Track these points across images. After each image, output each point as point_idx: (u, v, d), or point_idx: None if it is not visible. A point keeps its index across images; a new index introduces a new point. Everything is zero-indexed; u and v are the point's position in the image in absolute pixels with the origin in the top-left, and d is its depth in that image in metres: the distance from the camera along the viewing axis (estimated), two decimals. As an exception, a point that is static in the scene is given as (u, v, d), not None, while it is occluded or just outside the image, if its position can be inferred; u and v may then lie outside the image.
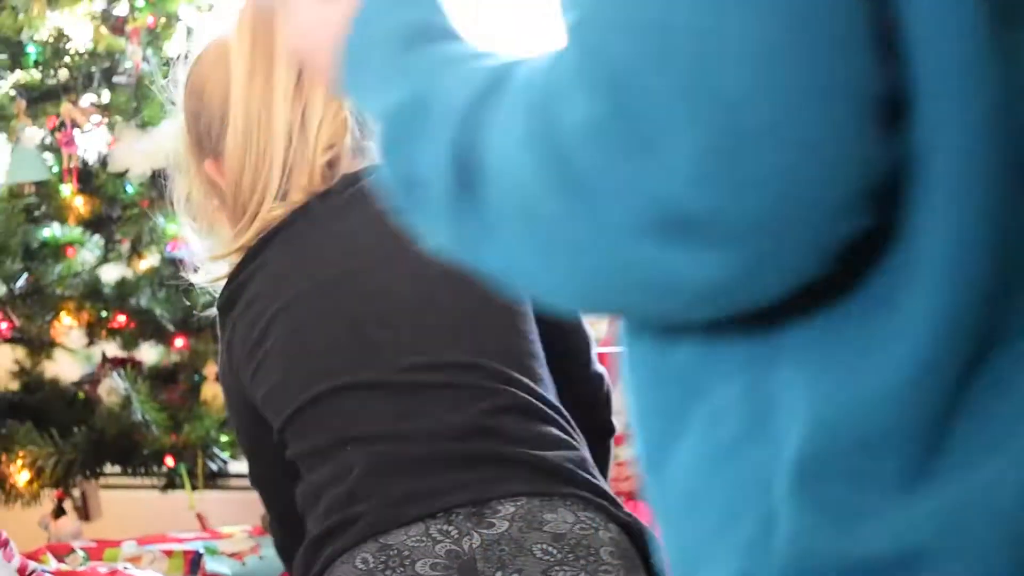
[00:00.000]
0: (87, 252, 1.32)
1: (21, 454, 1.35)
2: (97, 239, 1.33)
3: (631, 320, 0.44)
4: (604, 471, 1.04)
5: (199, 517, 1.37)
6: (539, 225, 0.36)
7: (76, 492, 1.39)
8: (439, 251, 0.45)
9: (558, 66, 0.34)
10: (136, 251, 1.33)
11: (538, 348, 1.00)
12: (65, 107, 1.31)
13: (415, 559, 0.90)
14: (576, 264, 0.36)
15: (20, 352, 1.39)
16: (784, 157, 0.30)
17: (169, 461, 1.39)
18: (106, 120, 1.33)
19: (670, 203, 0.31)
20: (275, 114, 0.98)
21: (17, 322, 1.31)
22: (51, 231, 1.30)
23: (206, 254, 1.06)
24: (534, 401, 0.97)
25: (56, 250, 1.31)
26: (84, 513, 1.36)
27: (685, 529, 0.44)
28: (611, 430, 1.09)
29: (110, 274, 1.34)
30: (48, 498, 1.42)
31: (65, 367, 1.44)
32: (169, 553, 1.26)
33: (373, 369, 0.98)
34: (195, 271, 1.06)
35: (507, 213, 0.38)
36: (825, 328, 0.36)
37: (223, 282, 1.00)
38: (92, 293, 1.35)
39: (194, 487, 1.38)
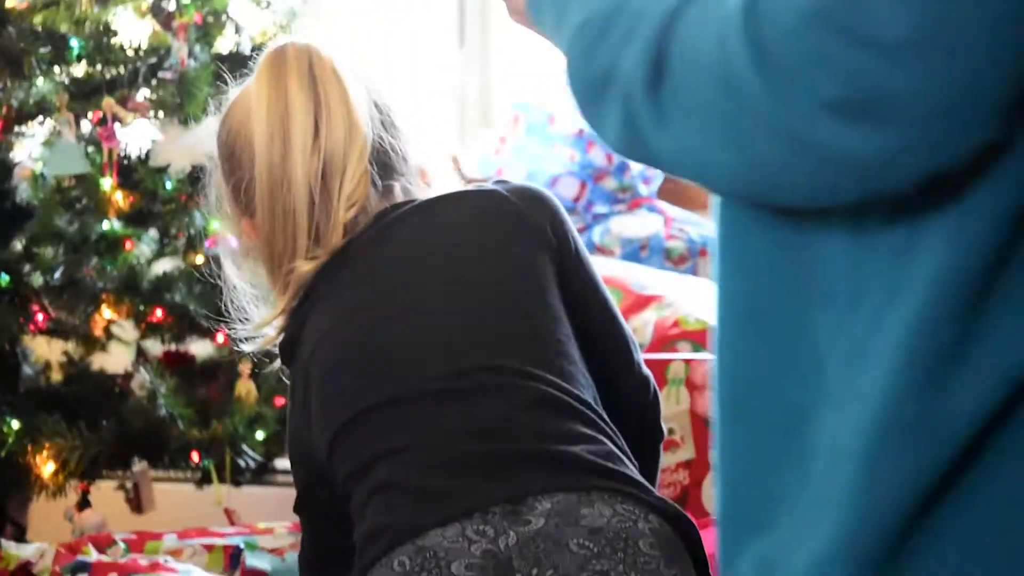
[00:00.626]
0: (144, 246, 1.36)
1: (47, 446, 1.38)
2: (153, 233, 1.36)
3: (776, 208, 0.50)
4: (652, 477, 1.07)
5: (227, 512, 1.41)
6: (727, 106, 0.44)
7: (129, 484, 1.43)
8: (614, 148, 0.53)
9: None
10: (192, 247, 1.38)
11: (570, 350, 1.02)
12: (107, 102, 1.36)
13: (450, 560, 0.92)
14: (757, 146, 0.44)
15: (71, 344, 1.42)
16: (974, 57, 0.38)
17: (195, 456, 1.42)
18: (150, 115, 1.36)
19: (869, 83, 0.38)
20: (295, 175, 1.01)
21: (54, 314, 1.33)
22: (109, 225, 1.34)
23: (255, 318, 1.10)
24: (564, 398, 0.99)
25: (113, 243, 1.35)
26: (136, 504, 1.40)
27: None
28: (660, 434, 1.11)
29: (162, 268, 1.39)
30: (73, 490, 1.46)
31: (116, 360, 1.49)
32: (210, 548, 1.35)
33: (399, 386, 1.00)
34: (244, 340, 1.10)
35: (695, 99, 0.45)
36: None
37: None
38: (130, 287, 1.39)
39: (222, 481, 1.42)
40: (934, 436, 0.48)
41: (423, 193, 1.11)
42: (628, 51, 0.51)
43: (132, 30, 1.46)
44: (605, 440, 0.98)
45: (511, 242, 1.07)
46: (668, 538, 0.95)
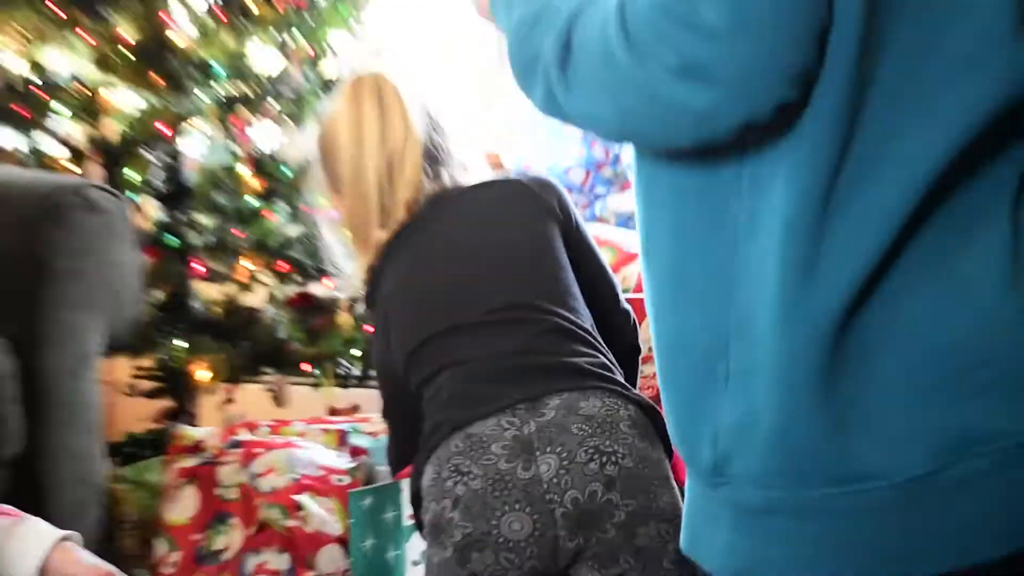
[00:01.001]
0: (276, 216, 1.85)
1: (204, 358, 1.87)
2: (282, 206, 1.84)
3: (648, 150, 0.66)
4: (633, 381, 1.33)
5: (334, 409, 1.92)
6: (607, 75, 0.57)
7: (272, 387, 1.92)
8: (542, 111, 0.67)
9: None
10: (306, 217, 1.87)
11: (574, 291, 1.28)
12: (243, 112, 1.83)
13: (490, 443, 1.15)
14: (627, 101, 0.57)
15: (227, 287, 1.90)
16: (768, 40, 0.51)
17: (308, 367, 1.91)
18: (275, 122, 1.83)
19: (696, 56, 0.52)
20: (368, 167, 1.32)
21: (211, 265, 1.83)
22: (247, 201, 1.80)
23: (346, 270, 1.44)
24: (570, 326, 1.24)
25: (252, 214, 1.82)
26: (279, 402, 1.92)
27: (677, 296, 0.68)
28: (638, 351, 1.39)
29: (288, 232, 1.87)
30: (223, 390, 1.95)
31: (256, 298, 1.96)
32: (326, 431, 1.73)
33: (459, 316, 1.26)
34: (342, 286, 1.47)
35: (587, 71, 0.59)
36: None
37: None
38: (263, 246, 1.85)
39: (330, 386, 1.94)
40: (811, 317, 0.61)
41: (464, 180, 1.39)
42: (547, 39, 0.64)
43: (262, 57, 1.85)
44: (599, 355, 1.23)
45: (530, 215, 1.33)
46: (642, 422, 1.17)
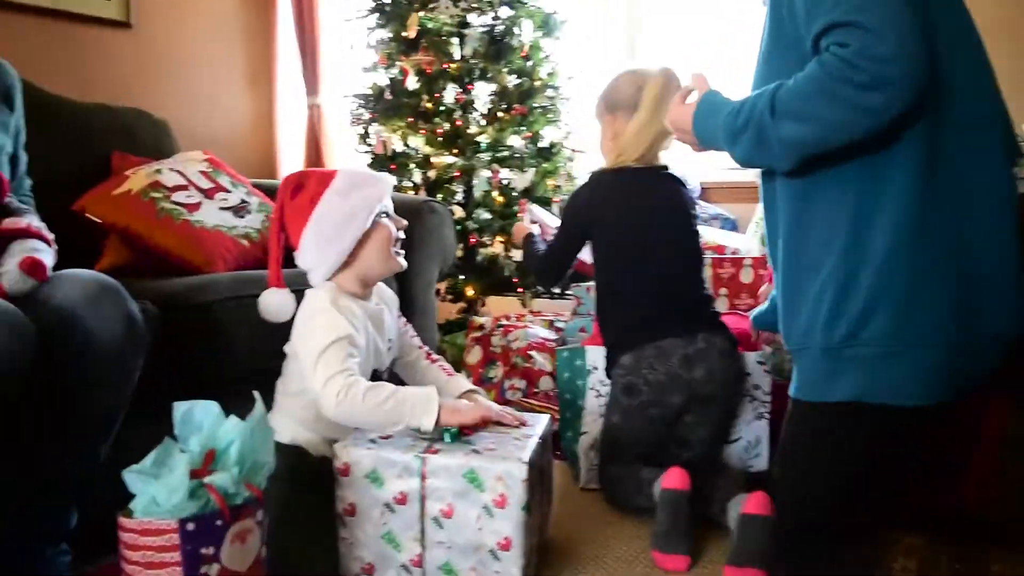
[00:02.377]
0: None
1: (479, 283, 3.17)
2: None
3: (830, 154, 1.19)
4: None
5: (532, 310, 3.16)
6: (818, 101, 1.16)
7: (522, 298, 3.18)
8: (745, 158, 1.30)
9: (833, 57, 1.14)
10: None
11: (703, 267, 1.99)
12: (502, 165, 3.18)
13: (671, 354, 1.89)
14: (830, 114, 1.16)
15: (490, 250, 3.22)
16: (913, 61, 1.10)
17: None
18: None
19: (878, 74, 1.09)
20: (648, 130, 1.95)
21: (482, 239, 3.19)
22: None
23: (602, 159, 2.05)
24: (705, 289, 1.99)
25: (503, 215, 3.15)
26: (524, 304, 3.15)
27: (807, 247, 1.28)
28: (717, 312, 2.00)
29: None
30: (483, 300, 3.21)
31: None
32: (543, 319, 2.88)
33: (655, 264, 1.91)
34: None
35: (799, 106, 1.18)
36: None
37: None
38: (504, 230, 3.18)
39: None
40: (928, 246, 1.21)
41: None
42: (755, 111, 1.21)
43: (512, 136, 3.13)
44: (714, 305, 1.98)
45: (688, 205, 2.02)
46: (733, 350, 1.93)
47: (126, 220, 2.30)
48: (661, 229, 1.96)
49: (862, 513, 1.35)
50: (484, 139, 3.12)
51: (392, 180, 1.81)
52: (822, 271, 1.24)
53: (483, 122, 3.11)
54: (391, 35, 3.26)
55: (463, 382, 1.86)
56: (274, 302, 1.74)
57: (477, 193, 3.09)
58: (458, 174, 3.08)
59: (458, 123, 3.09)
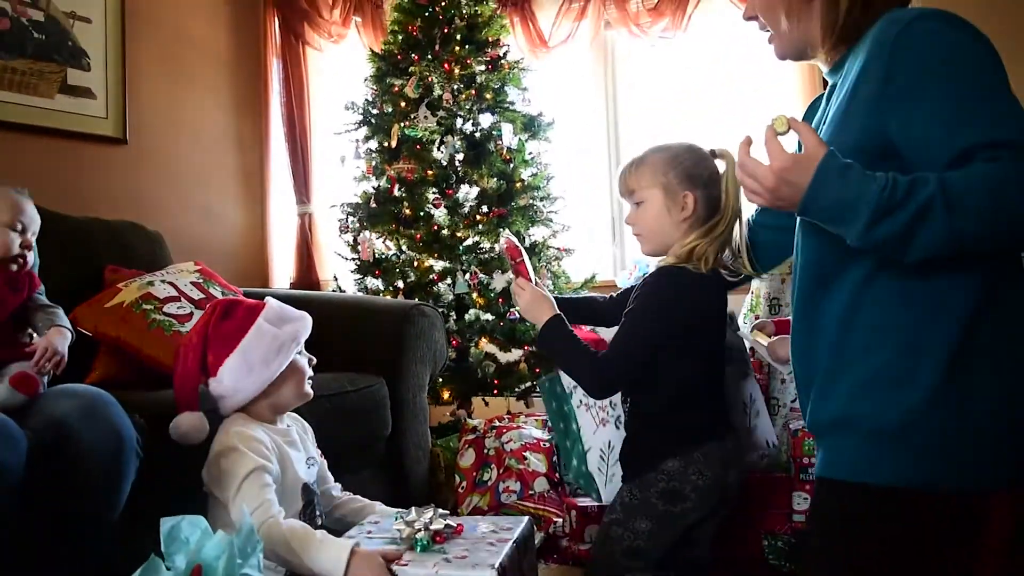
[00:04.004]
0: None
1: (462, 385, 3.21)
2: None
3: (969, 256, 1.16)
4: None
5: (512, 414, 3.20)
6: (993, 206, 1.10)
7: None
8: (924, 252, 1.14)
9: (1006, 168, 1.09)
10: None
11: None
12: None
13: (715, 458, 1.73)
14: (1008, 212, 1.10)
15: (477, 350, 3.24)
16: None
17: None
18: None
19: None
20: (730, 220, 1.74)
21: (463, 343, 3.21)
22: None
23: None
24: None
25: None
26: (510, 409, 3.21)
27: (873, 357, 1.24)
28: None
29: None
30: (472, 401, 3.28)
31: None
32: (536, 420, 2.93)
33: (717, 366, 1.81)
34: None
35: (973, 209, 1.10)
36: None
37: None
38: (491, 330, 3.20)
39: None
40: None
41: None
42: (925, 193, 1.11)
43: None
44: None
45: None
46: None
47: (117, 332, 2.31)
48: (719, 334, 1.86)
49: None
50: (464, 242, 3.19)
51: (309, 319, 1.83)
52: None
53: (463, 225, 3.17)
54: (377, 146, 3.35)
55: (379, 506, 1.88)
56: (190, 424, 1.72)
57: (452, 296, 3.15)
58: (436, 277, 3.12)
59: (435, 227, 3.14)
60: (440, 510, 1.65)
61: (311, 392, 1.83)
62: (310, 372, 1.82)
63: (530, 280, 1.83)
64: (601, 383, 1.76)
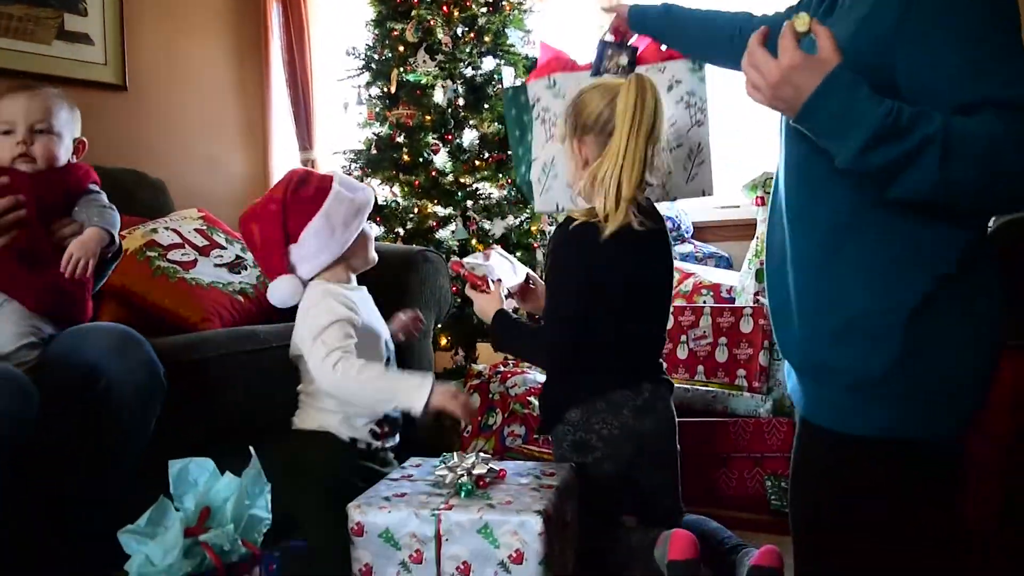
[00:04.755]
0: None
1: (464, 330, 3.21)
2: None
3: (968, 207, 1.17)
4: None
5: None
6: (994, 162, 1.07)
7: None
8: (905, 195, 1.12)
9: (1011, 123, 1.07)
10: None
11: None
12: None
13: (622, 406, 1.79)
14: (1003, 165, 1.08)
15: None
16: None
17: None
18: None
19: None
20: (641, 145, 1.66)
21: None
22: None
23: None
24: (661, 342, 1.90)
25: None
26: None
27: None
28: None
29: None
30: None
31: None
32: None
33: (643, 319, 1.81)
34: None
35: (970, 158, 1.07)
36: None
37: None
38: None
39: None
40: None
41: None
42: (926, 129, 1.08)
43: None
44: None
45: (669, 259, 1.88)
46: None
47: (122, 280, 2.32)
48: (649, 292, 1.85)
49: None
50: (461, 188, 3.18)
51: (371, 190, 1.97)
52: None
53: (463, 171, 3.15)
54: (379, 92, 3.32)
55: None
56: (285, 288, 1.83)
57: (453, 241, 3.13)
58: (435, 224, 3.10)
59: (432, 173, 3.12)
60: (483, 454, 1.67)
61: (376, 256, 1.97)
62: (374, 236, 1.97)
63: (488, 289, 1.88)
64: (548, 350, 1.78)
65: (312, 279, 1.88)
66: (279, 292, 1.83)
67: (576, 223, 1.72)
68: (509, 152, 3.13)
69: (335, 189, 1.82)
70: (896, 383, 1.24)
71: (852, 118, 1.10)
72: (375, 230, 1.99)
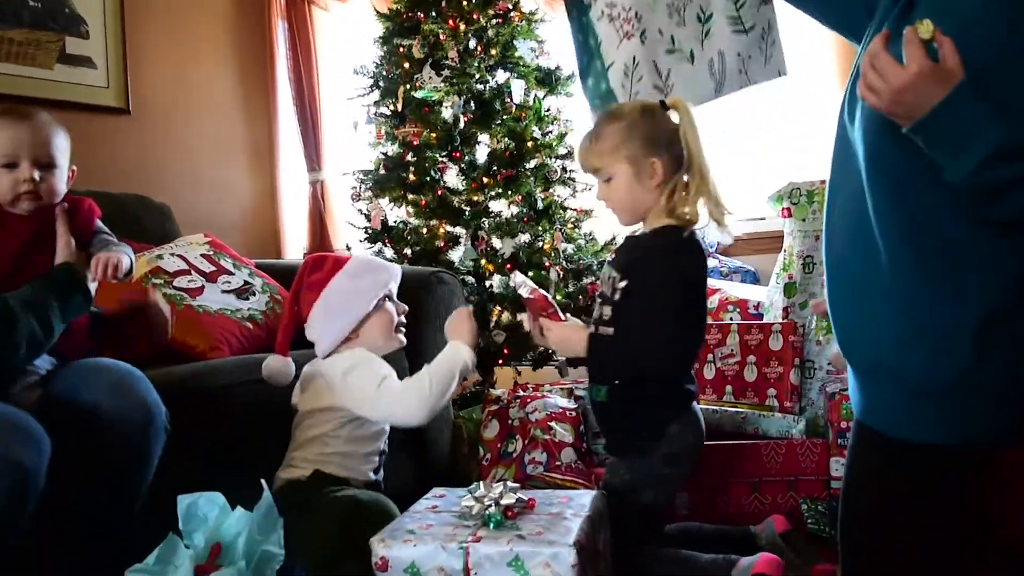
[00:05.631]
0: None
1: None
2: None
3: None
4: None
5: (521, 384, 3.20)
6: None
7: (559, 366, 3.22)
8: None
9: None
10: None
11: None
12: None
13: (699, 419, 1.88)
14: None
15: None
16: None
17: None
18: None
19: None
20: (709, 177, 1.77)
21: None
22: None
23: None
24: None
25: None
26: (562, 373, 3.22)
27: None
28: None
29: None
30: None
31: None
32: (561, 388, 2.98)
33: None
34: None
35: None
36: None
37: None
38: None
39: None
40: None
41: None
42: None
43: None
44: None
45: None
46: None
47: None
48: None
49: None
50: (468, 206, 3.19)
51: (398, 269, 2.04)
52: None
53: (471, 189, 3.15)
54: (388, 110, 3.33)
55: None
56: (277, 368, 1.95)
57: (464, 263, 3.12)
58: (443, 244, 3.10)
59: (439, 192, 3.13)
60: (510, 483, 1.66)
61: (402, 338, 2.04)
62: (399, 319, 2.03)
63: (560, 317, 1.89)
64: (667, 355, 1.78)
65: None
66: (269, 370, 1.96)
67: (687, 231, 1.78)
68: (518, 168, 3.12)
69: (337, 275, 1.95)
70: (963, 391, 1.25)
71: (973, 134, 1.12)
72: (399, 307, 2.04)
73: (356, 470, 1.92)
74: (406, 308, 2.04)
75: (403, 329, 2.04)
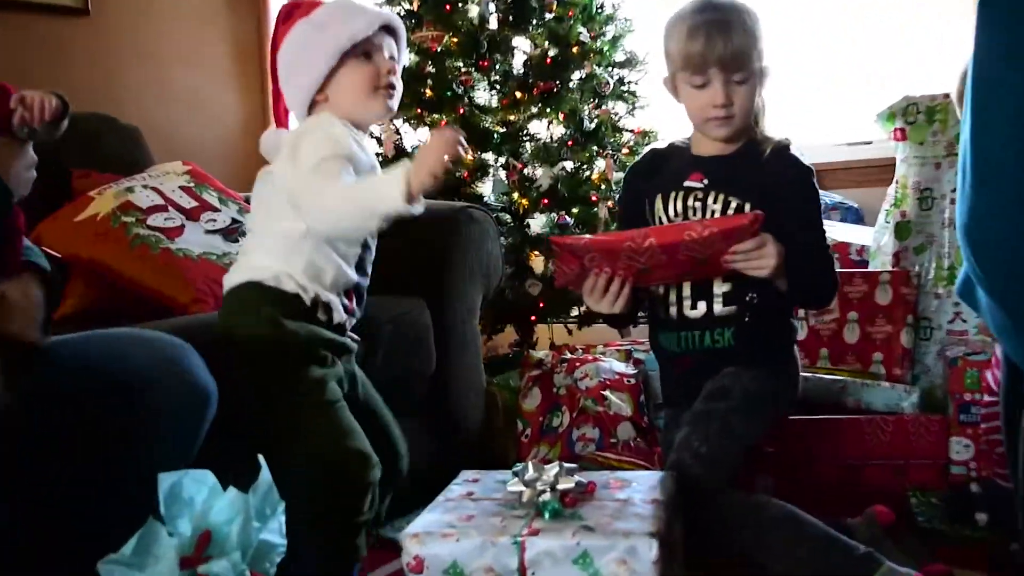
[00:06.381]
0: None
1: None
2: None
3: None
4: None
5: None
6: None
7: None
8: None
9: None
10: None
11: None
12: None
13: None
14: None
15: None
16: None
17: None
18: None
19: None
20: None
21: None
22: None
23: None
24: None
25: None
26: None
27: None
28: None
29: None
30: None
31: None
32: (618, 350, 2.93)
33: None
34: None
35: None
36: None
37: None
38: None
39: None
40: None
41: None
42: None
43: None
44: None
45: None
46: None
47: (91, 252, 2.34)
48: None
49: None
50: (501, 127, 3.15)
51: (391, 17, 1.91)
52: None
53: (501, 106, 3.12)
54: (401, 10, 3.31)
55: None
56: (272, 141, 1.94)
57: (497, 196, 3.11)
58: (467, 175, 3.07)
59: (460, 111, 3.09)
60: (566, 464, 1.65)
61: (390, 104, 1.90)
62: (388, 78, 1.89)
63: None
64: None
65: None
66: (266, 143, 1.98)
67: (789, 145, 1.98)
68: (560, 79, 3.07)
69: (297, 24, 1.89)
70: None
71: None
72: (387, 63, 1.88)
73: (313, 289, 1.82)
74: (395, 66, 1.90)
75: (393, 91, 1.89)
